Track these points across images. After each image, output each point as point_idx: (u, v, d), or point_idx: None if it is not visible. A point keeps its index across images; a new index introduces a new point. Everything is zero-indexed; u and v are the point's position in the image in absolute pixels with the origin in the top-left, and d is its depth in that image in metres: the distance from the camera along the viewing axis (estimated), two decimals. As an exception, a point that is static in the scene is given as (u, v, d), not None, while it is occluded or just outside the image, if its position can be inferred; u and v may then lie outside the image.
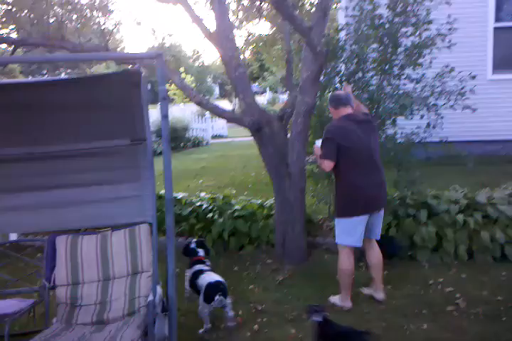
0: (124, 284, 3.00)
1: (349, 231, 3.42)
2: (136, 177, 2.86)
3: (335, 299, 3.64)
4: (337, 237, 3.54)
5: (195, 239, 3.88)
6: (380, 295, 3.64)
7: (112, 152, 2.79)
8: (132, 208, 2.94)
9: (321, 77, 4.62)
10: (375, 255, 3.64)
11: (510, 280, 3.84)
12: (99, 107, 2.54)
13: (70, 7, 5.13)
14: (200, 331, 3.29)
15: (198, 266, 3.54)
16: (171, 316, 2.63)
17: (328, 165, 3.32)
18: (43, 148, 2.71)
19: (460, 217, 4.28)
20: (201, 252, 3.72)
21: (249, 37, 7.50)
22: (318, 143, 3.47)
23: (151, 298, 2.67)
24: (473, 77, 4.60)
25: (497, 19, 8.41)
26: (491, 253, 4.20)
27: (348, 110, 3.45)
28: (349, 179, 3.38)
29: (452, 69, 4.57)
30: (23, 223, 2.99)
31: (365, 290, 3.77)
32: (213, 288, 3.22)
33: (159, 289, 2.80)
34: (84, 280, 3.01)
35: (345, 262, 3.53)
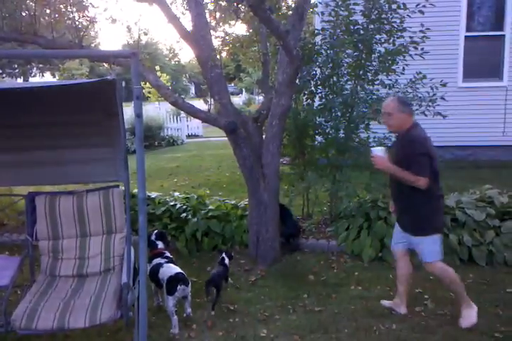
0: (99, 242, 3.30)
1: (440, 246, 3.21)
2: (109, 143, 3.10)
3: (468, 315, 3.26)
4: (431, 255, 3.19)
5: (155, 230, 3.85)
6: (403, 309, 3.47)
7: (90, 122, 3.04)
8: (106, 169, 3.18)
9: (297, 80, 4.67)
10: (406, 266, 3.45)
11: (476, 282, 3.95)
12: (78, 94, 2.67)
13: (43, 1, 5.02)
14: (171, 331, 3.28)
15: (156, 260, 3.56)
16: (141, 317, 2.62)
17: (426, 182, 3.00)
18: (27, 117, 2.95)
19: (429, 220, 4.38)
20: (160, 244, 3.72)
21: (226, 38, 7.49)
22: (378, 152, 3.15)
23: (125, 280, 2.84)
24: (444, 85, 4.72)
25: (468, 29, 8.67)
26: (458, 256, 4.32)
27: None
28: (436, 192, 3.15)
29: (424, 77, 4.68)
30: (2, 177, 3.23)
31: (386, 303, 3.59)
32: (174, 280, 3.33)
33: (132, 249, 3.08)
34: (63, 235, 3.28)
35: (450, 272, 3.22)
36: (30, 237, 3.26)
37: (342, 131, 4.99)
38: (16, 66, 29.41)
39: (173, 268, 3.42)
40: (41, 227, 3.28)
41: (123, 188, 3.27)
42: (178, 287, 3.28)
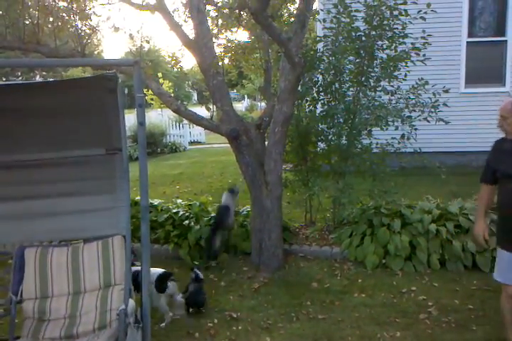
0: (95, 297, 2.85)
1: None
2: (110, 189, 2.77)
3: None
4: None
5: None
6: None
7: (86, 161, 2.72)
8: (105, 220, 2.83)
9: (299, 87, 4.67)
10: None
11: (481, 289, 3.92)
12: (74, 114, 2.48)
13: (46, 10, 5.05)
14: (162, 324, 3.42)
15: (134, 268, 3.46)
16: (145, 326, 2.60)
17: None
18: (12, 156, 2.62)
19: (433, 227, 4.37)
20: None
21: (229, 44, 7.51)
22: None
23: (123, 306, 2.59)
24: (446, 91, 4.72)
25: (470, 34, 8.68)
26: (462, 263, 4.29)
27: None
28: None
29: (426, 83, 4.67)
30: None
31: None
32: (163, 278, 3.48)
33: (132, 302, 2.71)
34: (53, 293, 2.85)
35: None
36: (14, 296, 2.83)
37: (344, 138, 4.98)
38: (20, 74, 29.62)
39: (157, 269, 3.57)
40: (28, 285, 2.84)
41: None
42: (168, 283, 3.47)
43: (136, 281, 3.21)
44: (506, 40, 8.59)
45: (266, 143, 4.64)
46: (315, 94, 5.17)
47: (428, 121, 4.63)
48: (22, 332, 2.75)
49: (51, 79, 2.93)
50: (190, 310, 3.73)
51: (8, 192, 2.71)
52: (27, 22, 4.91)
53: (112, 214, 2.82)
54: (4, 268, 3.67)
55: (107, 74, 2.31)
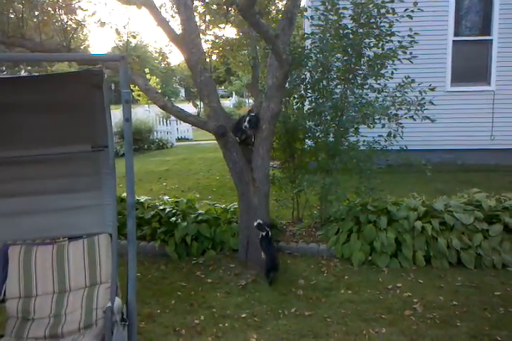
0: (80, 296, 2.80)
1: None
2: (96, 186, 2.73)
3: None
4: None
5: None
6: None
7: (71, 158, 2.67)
8: (91, 218, 2.79)
9: (286, 84, 4.67)
10: None
11: (465, 285, 3.97)
12: (59, 109, 2.44)
13: (31, 4, 4.97)
14: None
15: None
16: (131, 323, 2.58)
17: None
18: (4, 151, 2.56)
19: (418, 224, 4.41)
20: None
21: (216, 40, 7.48)
22: None
23: (109, 304, 2.54)
24: (432, 89, 4.76)
25: (456, 33, 8.77)
26: (447, 259, 4.34)
27: None
28: None
29: (413, 81, 4.71)
30: None
31: None
32: None
33: (118, 300, 2.65)
34: (37, 292, 2.79)
35: None
36: None
37: (332, 135, 5.00)
38: (4, 68, 29.12)
39: None
40: (12, 284, 2.78)
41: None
42: None
43: None
44: (492, 39, 8.70)
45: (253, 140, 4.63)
46: (302, 92, 5.18)
47: (414, 119, 4.67)
48: (5, 331, 2.70)
49: (36, 74, 2.88)
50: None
51: None
52: (11, 16, 4.83)
53: (98, 212, 2.77)
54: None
55: (93, 69, 2.28)
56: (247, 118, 4.33)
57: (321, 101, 5.05)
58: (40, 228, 2.80)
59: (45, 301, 2.78)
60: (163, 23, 4.47)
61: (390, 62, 4.75)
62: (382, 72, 4.78)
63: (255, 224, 4.26)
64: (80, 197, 2.75)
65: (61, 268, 2.83)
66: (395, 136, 4.77)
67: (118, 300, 2.63)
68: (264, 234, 4.24)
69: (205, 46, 5.19)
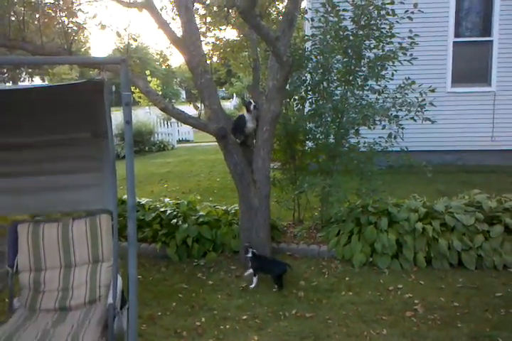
0: (85, 272, 3.10)
1: None
2: (97, 168, 2.93)
3: None
4: None
5: None
6: None
7: (75, 143, 2.88)
8: (92, 196, 2.99)
9: (287, 86, 4.68)
10: None
11: (466, 286, 3.97)
12: (65, 106, 2.59)
13: (32, 7, 4.99)
14: None
15: None
16: (132, 326, 2.58)
17: None
18: (8, 139, 2.80)
19: (419, 225, 4.41)
20: None
21: (217, 42, 7.50)
22: None
23: (110, 301, 2.72)
24: (433, 90, 4.76)
25: (456, 34, 8.78)
26: (448, 261, 4.34)
27: None
28: None
29: (413, 82, 4.71)
30: None
31: None
32: None
33: (119, 278, 2.92)
34: (46, 266, 3.10)
35: None
36: (10, 269, 3.09)
37: (332, 137, 5.01)
38: (5, 71, 29.21)
39: None
40: (23, 258, 3.10)
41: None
42: None
43: None
44: (492, 40, 8.70)
45: (254, 142, 4.64)
46: (303, 93, 5.18)
47: (415, 120, 4.67)
48: (20, 301, 3.02)
49: (43, 84, 3.09)
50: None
51: (4, 170, 2.88)
52: (12, 18, 4.85)
53: (98, 191, 2.96)
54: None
55: (94, 80, 2.35)
56: (252, 105, 4.41)
57: (321, 102, 5.06)
58: (46, 203, 3.03)
59: (53, 274, 3.10)
60: (163, 25, 4.48)
61: (391, 63, 4.76)
62: (383, 73, 4.79)
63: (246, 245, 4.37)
64: (82, 177, 2.96)
65: (66, 245, 3.14)
66: (395, 137, 4.77)
67: (119, 278, 2.97)
68: (250, 255, 4.23)
69: (206, 48, 5.20)
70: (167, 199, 5.65)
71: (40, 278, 3.07)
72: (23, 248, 3.10)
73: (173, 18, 6.51)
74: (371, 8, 4.53)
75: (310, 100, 5.21)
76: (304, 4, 7.13)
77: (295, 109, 5.37)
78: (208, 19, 6.92)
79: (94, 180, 2.95)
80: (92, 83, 2.35)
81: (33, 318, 2.87)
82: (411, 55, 4.67)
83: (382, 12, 4.53)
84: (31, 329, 2.71)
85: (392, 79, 4.78)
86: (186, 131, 16.74)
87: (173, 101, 35.41)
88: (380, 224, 4.52)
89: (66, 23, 5.27)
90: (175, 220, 4.93)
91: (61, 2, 5.31)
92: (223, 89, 38.53)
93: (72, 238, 3.13)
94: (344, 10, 4.62)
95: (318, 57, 4.84)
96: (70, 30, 5.11)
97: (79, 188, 2.98)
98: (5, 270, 3.10)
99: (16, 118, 2.71)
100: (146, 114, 16.27)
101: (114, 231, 2.85)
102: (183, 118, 4.50)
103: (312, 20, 5.02)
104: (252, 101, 4.47)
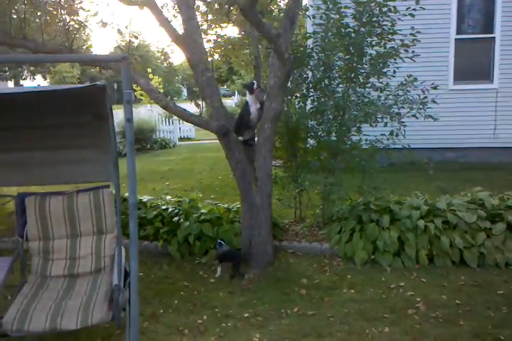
0: (90, 242, 3.36)
1: None
2: (99, 145, 3.08)
3: None
4: None
5: None
6: None
7: (79, 123, 3.01)
8: (96, 169, 3.18)
9: (289, 84, 4.67)
10: None
11: (468, 284, 3.96)
12: (68, 98, 2.67)
13: (33, 4, 4.99)
14: None
15: None
16: (133, 323, 2.59)
17: None
18: (16, 120, 2.94)
19: (421, 223, 4.40)
20: None
21: (218, 40, 7.50)
22: None
23: (116, 281, 2.88)
24: (435, 88, 4.75)
25: (458, 31, 8.74)
26: (450, 258, 4.33)
27: None
28: None
29: (415, 79, 4.69)
30: None
31: None
32: None
33: (123, 249, 3.11)
34: (54, 236, 3.34)
35: None
36: (20, 238, 3.32)
37: (334, 134, 5.00)
38: (7, 69, 29.26)
39: None
40: (32, 228, 3.33)
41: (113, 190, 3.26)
42: None
43: None
44: (494, 37, 8.67)
45: (256, 139, 4.63)
46: (305, 91, 5.17)
47: (417, 118, 4.66)
48: (31, 269, 3.29)
49: (44, 87, 3.17)
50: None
51: (15, 145, 3.06)
52: (14, 16, 4.85)
53: (100, 164, 3.14)
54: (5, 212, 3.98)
55: (97, 84, 2.37)
56: (255, 85, 4.43)
57: (323, 100, 5.04)
58: (52, 175, 3.23)
59: (61, 244, 3.35)
60: (165, 23, 4.47)
61: (392, 60, 4.74)
62: (385, 70, 4.77)
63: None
64: (85, 152, 3.14)
65: (72, 216, 3.37)
66: (397, 135, 4.76)
67: (123, 250, 3.13)
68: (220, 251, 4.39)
69: (207, 46, 5.19)
70: (169, 197, 5.64)
71: (48, 247, 3.32)
72: (31, 218, 3.32)
73: (174, 16, 6.51)
74: (373, 5, 4.51)
75: (311, 98, 5.19)
76: (305, 1, 7.12)
77: (296, 106, 5.36)
78: (209, 17, 6.91)
79: (97, 155, 3.13)
80: (94, 87, 2.37)
81: (44, 286, 3.12)
82: (413, 52, 4.65)
83: (384, 9, 4.51)
84: (44, 301, 2.89)
85: (394, 77, 4.76)
86: (188, 128, 16.73)
87: (175, 99, 35.42)
88: (382, 221, 4.52)
89: (67, 20, 5.27)
90: (177, 218, 4.94)
91: (62, 0, 5.30)
92: (225, 86, 38.51)
93: (77, 210, 3.36)
94: (346, 7, 4.60)
95: (320, 54, 4.82)
96: (71, 28, 5.11)
97: (83, 162, 3.17)
98: (16, 239, 3.35)
99: (23, 108, 2.82)
100: (147, 112, 16.27)
101: (117, 204, 2.97)
102: (185, 116, 4.50)
103: (314, 17, 5.01)
104: (254, 81, 4.44)
